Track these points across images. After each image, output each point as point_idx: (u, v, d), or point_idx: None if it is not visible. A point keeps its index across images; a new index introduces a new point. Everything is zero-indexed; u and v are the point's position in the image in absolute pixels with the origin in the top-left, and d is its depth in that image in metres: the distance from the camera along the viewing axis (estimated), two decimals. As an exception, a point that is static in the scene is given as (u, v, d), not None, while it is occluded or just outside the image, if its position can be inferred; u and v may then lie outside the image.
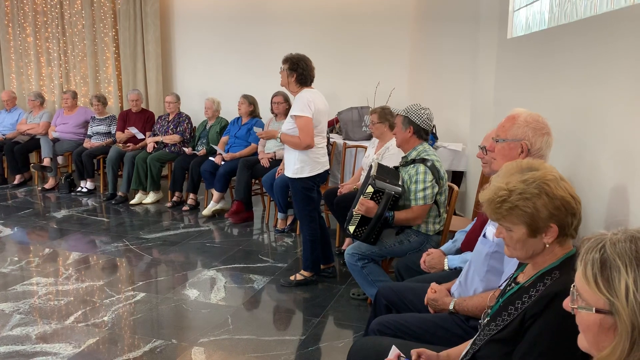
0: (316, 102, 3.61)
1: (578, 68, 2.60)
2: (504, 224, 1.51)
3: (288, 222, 5.17)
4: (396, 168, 3.33)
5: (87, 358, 2.87)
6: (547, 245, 1.48)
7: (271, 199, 5.38)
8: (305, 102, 3.57)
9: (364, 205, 3.09)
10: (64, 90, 7.34)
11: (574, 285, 1.06)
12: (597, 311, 1.00)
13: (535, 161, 1.55)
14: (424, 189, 3.09)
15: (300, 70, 3.62)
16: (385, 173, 3.23)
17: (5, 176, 7.11)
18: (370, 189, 3.10)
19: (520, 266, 1.67)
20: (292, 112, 3.62)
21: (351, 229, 3.19)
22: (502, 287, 1.69)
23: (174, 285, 3.87)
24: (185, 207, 5.89)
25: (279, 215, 5.16)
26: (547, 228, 1.46)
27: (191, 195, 5.96)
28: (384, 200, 3.03)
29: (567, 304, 1.08)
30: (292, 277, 3.88)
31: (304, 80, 3.65)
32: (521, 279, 1.59)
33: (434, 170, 3.13)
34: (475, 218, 2.68)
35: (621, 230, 1.03)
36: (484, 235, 2.07)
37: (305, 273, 3.87)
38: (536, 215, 1.45)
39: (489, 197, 1.50)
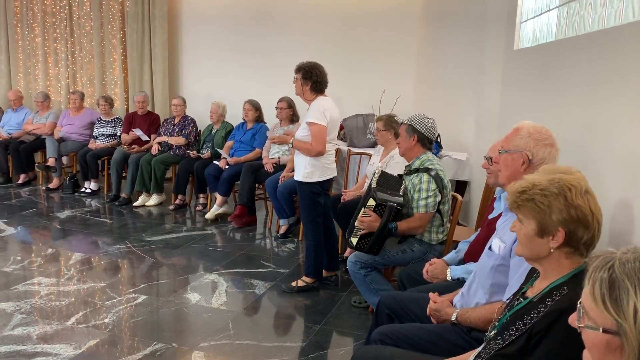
0: (331, 111, 3.67)
1: (584, 81, 2.60)
2: (519, 214, 1.54)
3: (285, 229, 5.14)
4: (400, 176, 3.33)
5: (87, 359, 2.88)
6: (552, 251, 1.48)
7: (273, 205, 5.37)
8: (321, 110, 3.61)
9: (365, 222, 3.08)
10: (71, 90, 7.38)
11: (580, 302, 1.05)
12: (605, 331, 0.99)
13: (572, 168, 1.56)
14: (427, 197, 3.09)
15: (314, 78, 3.65)
16: (387, 181, 3.23)
17: (10, 175, 7.14)
18: (372, 202, 3.09)
19: (529, 280, 1.66)
20: (307, 119, 3.64)
21: (354, 241, 3.17)
22: (509, 300, 1.69)
23: (175, 288, 3.87)
24: (199, 207, 5.99)
25: (281, 221, 5.15)
26: (555, 231, 1.46)
27: (202, 196, 6.03)
28: (386, 213, 3.01)
29: (573, 321, 1.07)
30: (293, 283, 3.88)
31: (319, 87, 3.70)
32: (530, 293, 1.59)
33: (438, 179, 3.13)
34: (479, 229, 2.68)
35: (631, 249, 1.02)
36: (490, 248, 2.06)
37: (307, 279, 3.86)
38: (548, 214, 1.46)
39: (515, 187, 1.55)
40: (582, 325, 1.03)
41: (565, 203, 1.45)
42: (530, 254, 1.54)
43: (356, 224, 3.17)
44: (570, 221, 1.45)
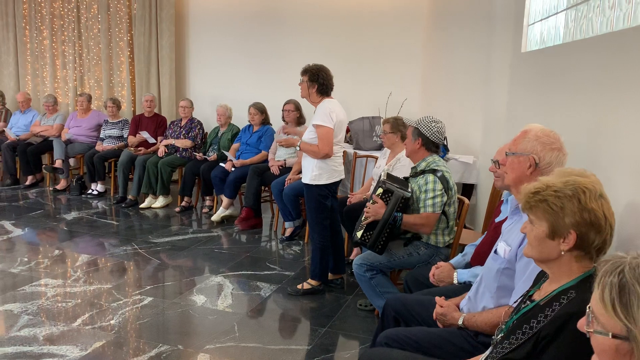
0: (337, 112, 3.66)
1: (593, 84, 2.59)
2: (530, 215, 1.53)
3: (290, 232, 5.16)
4: (406, 179, 3.32)
5: (93, 361, 2.88)
6: (563, 253, 1.47)
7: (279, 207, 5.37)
8: (327, 112, 3.61)
9: (371, 209, 3.09)
10: (78, 93, 7.42)
11: (589, 307, 1.04)
12: (614, 336, 0.98)
13: (587, 171, 1.55)
14: (434, 197, 3.08)
15: (321, 81, 3.66)
16: (395, 181, 3.23)
17: (18, 177, 7.18)
18: (380, 190, 3.12)
19: (537, 283, 1.65)
20: (313, 122, 3.65)
21: (358, 234, 3.19)
22: (516, 303, 1.68)
23: (181, 290, 3.88)
24: (205, 209, 5.99)
25: (286, 224, 5.16)
26: (567, 234, 1.45)
27: (208, 198, 6.05)
28: (392, 201, 3.04)
29: (582, 325, 1.06)
30: (299, 286, 3.87)
31: (325, 90, 3.69)
32: (537, 296, 1.57)
33: (444, 180, 3.12)
34: (486, 232, 2.67)
35: None
36: (495, 252, 2.05)
37: (313, 282, 3.86)
38: (560, 216, 1.45)
39: (528, 187, 1.53)
40: (591, 330, 1.02)
41: (579, 206, 1.44)
42: (540, 256, 1.52)
43: (363, 216, 3.19)
44: (582, 224, 1.44)
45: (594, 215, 1.43)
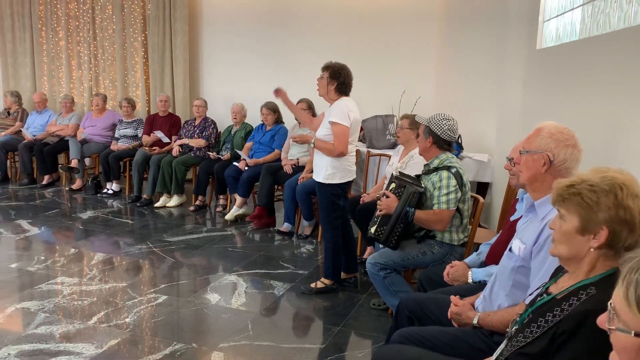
0: (355, 112, 3.65)
1: (610, 80, 2.55)
2: (562, 209, 1.47)
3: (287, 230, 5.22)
4: (418, 177, 3.30)
5: (109, 359, 2.90)
6: (592, 250, 1.42)
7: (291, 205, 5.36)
8: (345, 110, 3.59)
9: (383, 203, 3.11)
10: (94, 93, 7.49)
11: (611, 304, 1.01)
12: (637, 335, 0.96)
13: (624, 170, 1.49)
14: (448, 194, 3.06)
15: (341, 79, 3.64)
16: (407, 179, 3.22)
17: (35, 176, 7.27)
18: (393, 185, 3.13)
19: (554, 277, 1.62)
20: (330, 119, 3.62)
21: (372, 229, 3.20)
22: (532, 296, 1.65)
23: (195, 288, 3.89)
24: (219, 208, 6.01)
25: (285, 224, 5.18)
26: (599, 230, 1.40)
27: (221, 197, 6.08)
28: (404, 195, 3.05)
29: (602, 322, 1.03)
30: (312, 285, 3.87)
31: (344, 89, 3.68)
32: (553, 289, 1.54)
33: (458, 176, 3.10)
34: (501, 231, 2.64)
35: None
36: (510, 250, 2.03)
37: (326, 281, 3.86)
38: (594, 211, 1.40)
39: (563, 181, 1.48)
40: (613, 327, 1.00)
41: (615, 202, 1.38)
42: (568, 252, 1.47)
43: (376, 213, 3.19)
44: (616, 221, 1.38)
45: (630, 213, 1.38)
